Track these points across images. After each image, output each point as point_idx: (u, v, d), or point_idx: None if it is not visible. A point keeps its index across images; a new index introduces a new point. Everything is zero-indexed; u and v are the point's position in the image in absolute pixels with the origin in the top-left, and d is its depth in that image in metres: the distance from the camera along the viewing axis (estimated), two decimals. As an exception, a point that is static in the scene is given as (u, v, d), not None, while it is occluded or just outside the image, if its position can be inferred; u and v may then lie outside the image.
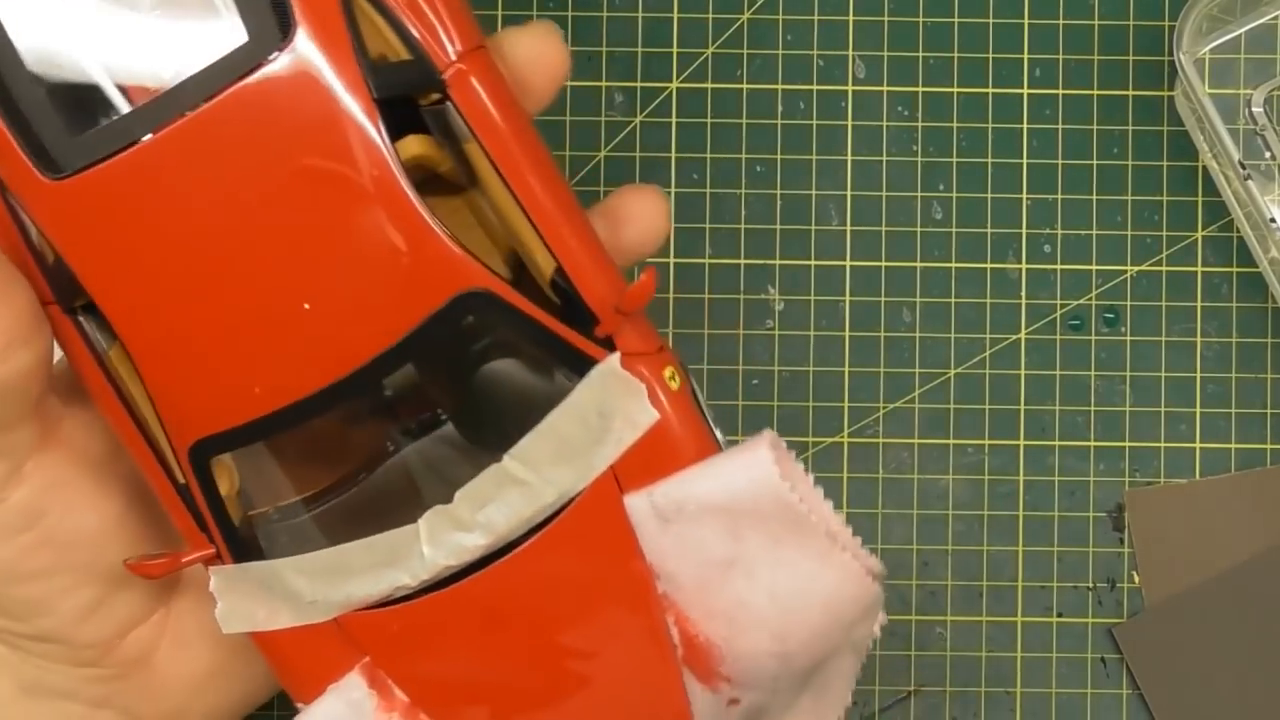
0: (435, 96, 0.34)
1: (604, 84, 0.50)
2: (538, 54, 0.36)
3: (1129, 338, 0.50)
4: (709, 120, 0.50)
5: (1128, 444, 0.49)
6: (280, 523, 0.37)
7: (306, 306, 0.33)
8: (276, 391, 0.34)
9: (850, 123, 0.50)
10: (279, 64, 0.33)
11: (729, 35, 0.50)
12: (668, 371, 0.36)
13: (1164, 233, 0.50)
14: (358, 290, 0.34)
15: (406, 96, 0.34)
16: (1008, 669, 0.49)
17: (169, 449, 0.36)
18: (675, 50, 0.50)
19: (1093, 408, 0.50)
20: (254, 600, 0.36)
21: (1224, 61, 0.49)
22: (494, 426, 0.36)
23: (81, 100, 0.33)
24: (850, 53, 0.50)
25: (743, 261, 0.50)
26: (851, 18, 0.50)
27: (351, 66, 0.33)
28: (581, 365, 0.35)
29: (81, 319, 0.35)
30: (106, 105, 0.33)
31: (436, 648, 0.36)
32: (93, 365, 0.36)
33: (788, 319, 0.50)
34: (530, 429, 0.35)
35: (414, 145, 0.34)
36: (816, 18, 0.50)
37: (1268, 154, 0.48)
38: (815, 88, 0.50)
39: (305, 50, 0.33)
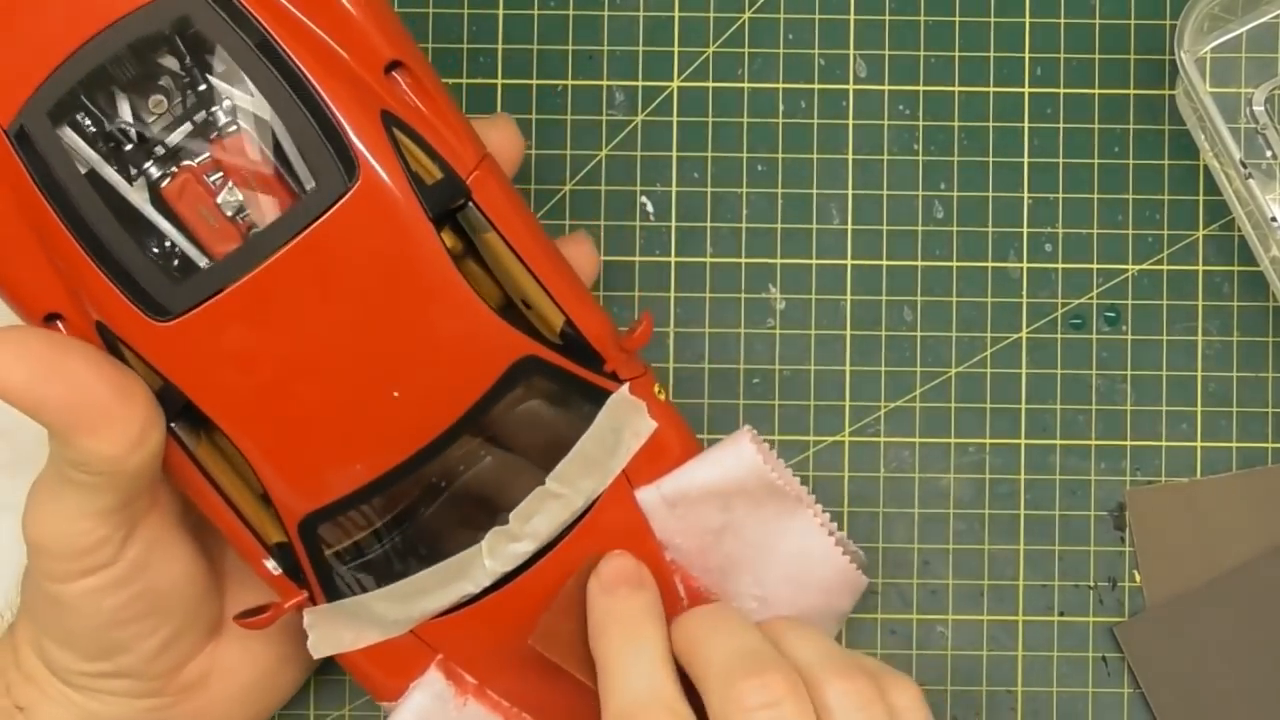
0: (460, 201, 0.40)
1: (605, 83, 0.50)
2: (503, 141, 0.43)
3: (1130, 337, 0.50)
4: (710, 119, 0.50)
5: (1129, 443, 0.50)
6: (363, 562, 0.43)
7: (396, 395, 0.40)
8: (372, 466, 0.41)
9: (851, 122, 0.50)
10: (351, 200, 0.38)
11: (730, 34, 0.50)
12: (656, 388, 0.44)
13: (1165, 231, 0.50)
14: (435, 372, 0.40)
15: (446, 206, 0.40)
16: (1009, 668, 0.49)
17: (267, 518, 0.42)
18: (676, 49, 0.50)
19: (1094, 407, 0.50)
20: (341, 627, 0.43)
21: (1225, 60, 0.49)
22: (532, 456, 0.43)
23: (177, 252, 0.39)
24: (851, 52, 0.50)
25: (744, 260, 0.50)
26: (853, 17, 0.50)
27: (409, 193, 0.39)
28: (598, 397, 0.43)
29: (174, 427, 0.41)
30: (200, 253, 0.39)
31: (497, 637, 0.43)
32: (189, 465, 0.42)
33: (789, 318, 0.50)
34: (562, 454, 0.42)
35: (446, 239, 0.40)
36: (818, 17, 0.50)
37: (1269, 153, 0.48)
38: (816, 87, 0.50)
39: (372, 186, 0.38)
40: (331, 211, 0.38)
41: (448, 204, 0.40)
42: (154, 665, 0.43)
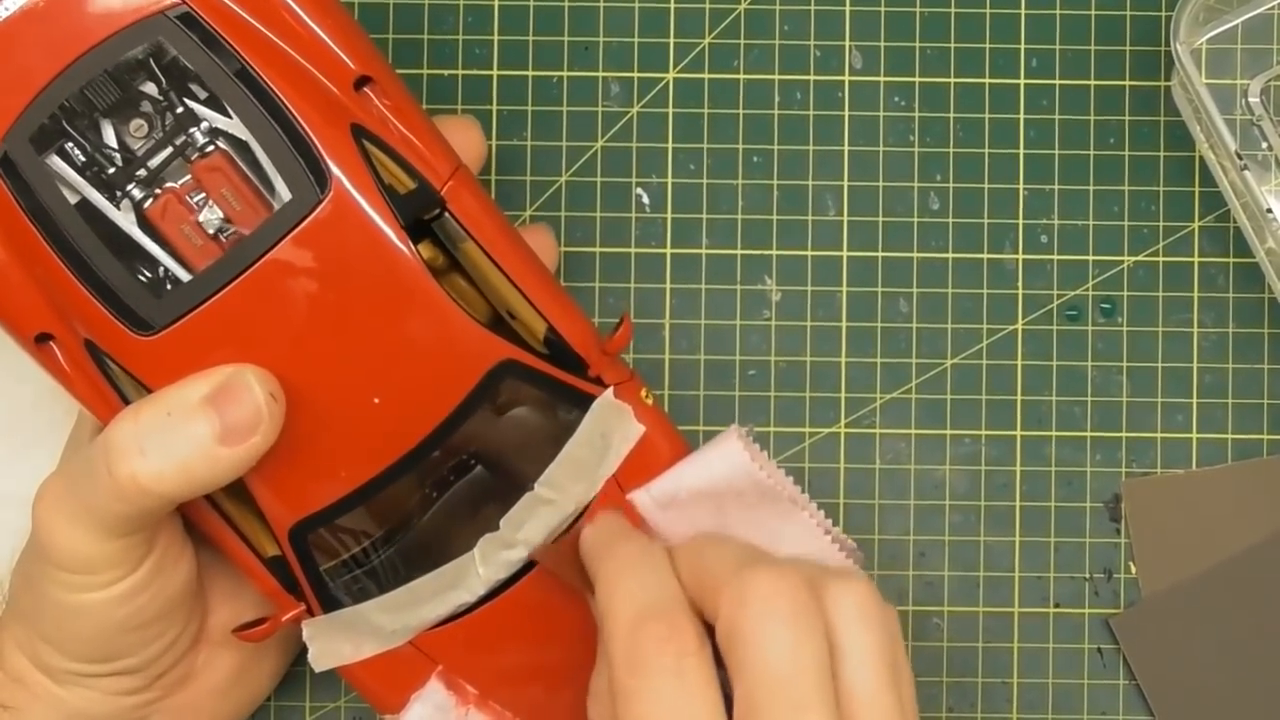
0: (435, 211, 0.41)
1: (600, 74, 0.50)
2: (465, 143, 0.43)
3: (1126, 328, 0.50)
4: (706, 110, 0.50)
5: (1124, 434, 0.50)
6: (358, 573, 0.44)
7: (376, 401, 0.41)
8: (357, 472, 0.41)
9: (847, 113, 0.50)
10: (323, 211, 0.39)
11: (726, 25, 0.50)
12: (643, 392, 0.44)
13: (1161, 223, 0.50)
14: (414, 378, 0.41)
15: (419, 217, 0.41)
16: (1005, 659, 0.49)
17: (262, 532, 0.43)
18: (672, 40, 0.50)
19: (1090, 398, 0.50)
20: (340, 640, 0.44)
21: (1221, 52, 0.49)
22: (521, 463, 0.43)
23: (162, 270, 0.40)
24: (847, 43, 0.50)
25: (740, 252, 0.50)
26: (849, 8, 0.50)
27: (380, 203, 0.40)
28: (583, 402, 0.43)
29: None
30: (185, 271, 0.40)
31: (496, 646, 0.44)
32: None
33: (785, 309, 0.50)
34: (551, 460, 0.43)
35: (424, 251, 0.41)
36: (814, 8, 0.50)
37: (1264, 144, 0.48)
38: (812, 78, 0.50)
39: (342, 197, 0.39)
40: (305, 223, 0.39)
41: (422, 213, 0.41)
42: (154, 665, 0.43)
